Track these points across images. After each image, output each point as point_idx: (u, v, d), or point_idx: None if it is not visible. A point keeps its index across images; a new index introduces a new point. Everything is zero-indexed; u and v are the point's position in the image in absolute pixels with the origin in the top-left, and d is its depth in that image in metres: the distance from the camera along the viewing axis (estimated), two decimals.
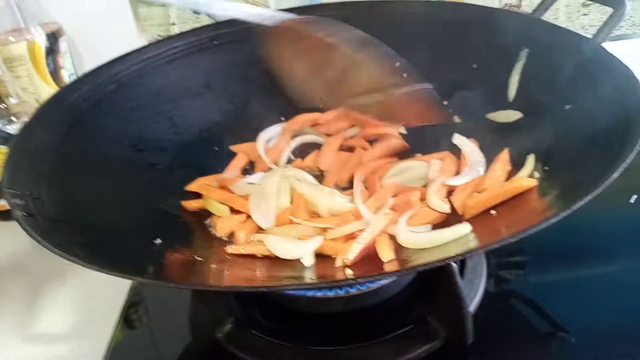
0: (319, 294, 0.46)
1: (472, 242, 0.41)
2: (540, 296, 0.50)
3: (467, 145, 0.54)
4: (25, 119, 0.62)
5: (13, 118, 0.64)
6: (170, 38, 0.64)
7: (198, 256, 0.44)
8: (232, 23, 0.65)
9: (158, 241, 0.45)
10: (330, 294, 0.46)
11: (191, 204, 0.53)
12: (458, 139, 0.55)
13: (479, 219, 0.45)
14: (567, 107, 0.46)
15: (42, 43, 0.71)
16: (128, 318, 0.54)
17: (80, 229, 0.40)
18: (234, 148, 0.61)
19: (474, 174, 0.52)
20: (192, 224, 0.51)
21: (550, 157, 0.46)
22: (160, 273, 0.39)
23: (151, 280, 0.37)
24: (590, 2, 0.78)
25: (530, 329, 0.48)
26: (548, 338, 0.47)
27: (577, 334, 0.46)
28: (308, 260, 0.45)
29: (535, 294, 0.50)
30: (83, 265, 0.32)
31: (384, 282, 0.46)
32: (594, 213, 0.57)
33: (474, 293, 0.48)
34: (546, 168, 0.45)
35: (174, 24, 0.80)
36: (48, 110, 0.50)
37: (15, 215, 0.37)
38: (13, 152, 0.44)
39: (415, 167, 0.55)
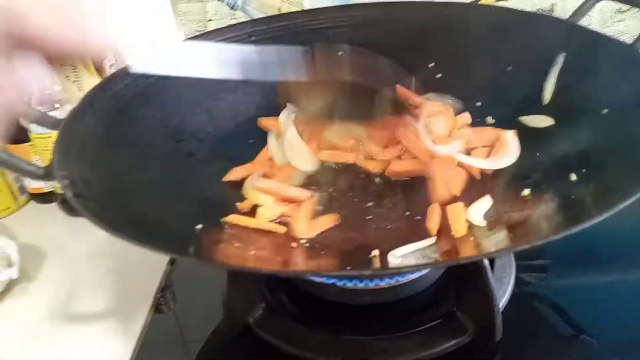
0: (349, 284, 0.47)
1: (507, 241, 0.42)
2: (565, 299, 0.50)
3: (510, 136, 0.55)
4: (69, 106, 0.64)
5: (56, 105, 0.67)
6: (208, 33, 0.65)
7: (236, 242, 0.45)
8: (268, 20, 0.66)
9: (199, 227, 0.46)
10: (360, 285, 0.47)
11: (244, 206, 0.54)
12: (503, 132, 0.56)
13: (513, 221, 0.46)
14: (604, 111, 0.47)
15: None
16: (157, 302, 0.56)
17: (126, 212, 0.42)
18: (262, 121, 0.62)
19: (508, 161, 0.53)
20: (231, 211, 0.52)
21: (584, 161, 0.46)
22: (201, 254, 0.40)
23: (192, 259, 0.39)
24: (627, 9, 0.78)
25: (555, 330, 0.48)
26: (572, 340, 0.47)
27: (601, 337, 0.46)
28: None
29: (560, 296, 0.51)
30: (133, 243, 0.33)
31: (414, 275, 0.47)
32: (619, 219, 0.57)
33: (502, 292, 0.49)
34: (583, 170, 0.45)
35: (211, 19, 0.82)
36: (94, 97, 0.52)
37: (67, 197, 0.39)
38: (62, 136, 0.46)
39: None
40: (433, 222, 0.47)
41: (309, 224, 0.49)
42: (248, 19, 0.73)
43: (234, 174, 0.57)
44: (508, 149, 0.53)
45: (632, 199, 0.34)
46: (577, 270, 0.54)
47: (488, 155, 0.54)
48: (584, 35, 0.52)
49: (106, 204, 0.41)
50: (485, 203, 0.48)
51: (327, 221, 0.50)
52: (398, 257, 0.43)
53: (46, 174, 0.42)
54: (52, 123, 0.51)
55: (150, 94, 0.56)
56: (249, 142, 0.62)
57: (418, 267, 0.44)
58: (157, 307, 0.56)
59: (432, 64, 0.62)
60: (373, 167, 0.56)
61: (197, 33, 0.80)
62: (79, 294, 0.59)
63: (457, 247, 0.44)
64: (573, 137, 0.48)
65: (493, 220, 0.46)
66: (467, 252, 0.43)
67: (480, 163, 0.53)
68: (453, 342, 0.45)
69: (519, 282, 0.51)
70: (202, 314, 0.54)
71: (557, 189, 0.46)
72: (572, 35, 0.53)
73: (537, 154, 0.52)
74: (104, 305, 0.57)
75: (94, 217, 0.36)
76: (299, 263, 0.45)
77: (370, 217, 0.50)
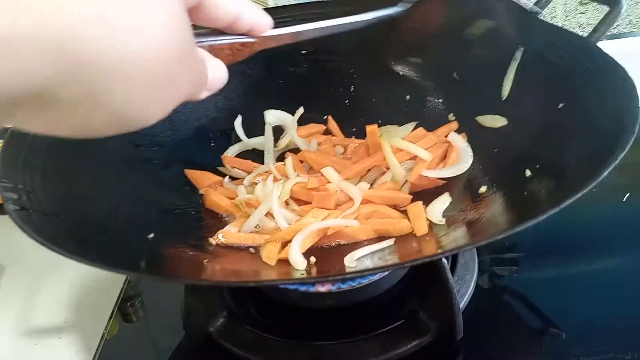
0: (311, 289, 0.47)
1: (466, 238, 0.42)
2: (532, 292, 0.50)
3: (460, 141, 0.55)
4: None
5: None
6: None
7: (190, 251, 0.44)
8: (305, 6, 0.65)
9: (151, 235, 0.45)
10: (322, 289, 0.47)
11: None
12: (452, 136, 0.56)
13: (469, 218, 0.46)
14: (560, 105, 0.47)
15: None
16: (123, 312, 0.55)
17: (74, 223, 0.40)
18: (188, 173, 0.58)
19: (461, 168, 0.53)
20: (186, 219, 0.51)
21: (541, 154, 0.46)
22: (152, 267, 0.39)
23: (142, 275, 0.37)
24: (588, 1, 0.78)
25: (521, 325, 0.48)
26: (539, 333, 0.47)
27: (568, 329, 0.46)
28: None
29: (526, 290, 0.51)
30: (75, 260, 0.32)
31: (376, 277, 0.47)
32: (587, 211, 0.58)
33: (465, 289, 0.49)
34: (537, 166, 0.45)
35: None
36: None
37: (7, 209, 0.37)
38: (7, 145, 0.44)
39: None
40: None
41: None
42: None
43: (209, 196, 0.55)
44: (462, 155, 0.53)
45: (583, 192, 0.34)
46: (545, 263, 0.54)
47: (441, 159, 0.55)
48: (541, 28, 0.52)
49: (53, 215, 0.39)
50: (444, 200, 0.48)
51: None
52: (354, 260, 0.42)
53: None
54: None
55: None
56: (210, 145, 0.61)
57: (372, 271, 0.43)
58: (124, 316, 0.54)
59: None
60: None
61: None
62: (38, 308, 0.57)
63: (416, 246, 0.44)
64: (529, 131, 0.48)
65: (452, 218, 0.46)
66: (427, 251, 0.43)
67: (441, 173, 0.52)
68: (415, 342, 0.44)
69: (487, 276, 0.51)
70: (170, 323, 0.52)
71: (513, 185, 0.46)
72: (530, 28, 0.52)
73: (495, 150, 0.52)
74: (64, 318, 0.55)
75: (35, 232, 0.34)
76: (257, 272, 0.44)
77: None
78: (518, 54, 0.53)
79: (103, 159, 0.51)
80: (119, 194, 0.48)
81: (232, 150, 0.61)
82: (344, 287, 0.46)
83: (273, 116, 0.63)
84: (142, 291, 0.57)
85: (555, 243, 0.56)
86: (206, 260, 0.43)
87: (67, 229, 0.39)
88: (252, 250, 0.48)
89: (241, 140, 0.62)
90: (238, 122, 0.62)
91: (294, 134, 0.60)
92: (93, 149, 0.51)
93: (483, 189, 0.48)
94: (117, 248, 0.39)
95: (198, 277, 0.40)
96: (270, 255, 0.45)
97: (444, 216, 0.47)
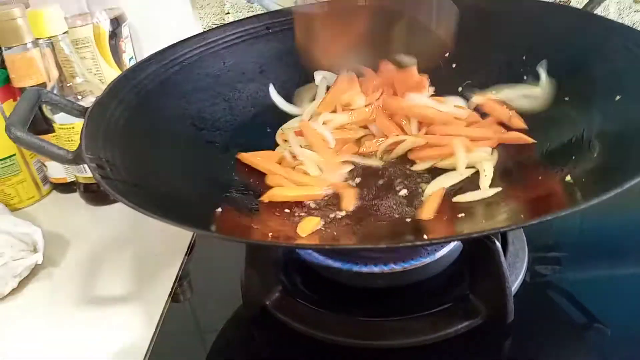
0: (364, 269, 0.49)
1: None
2: (577, 289, 0.51)
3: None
4: (90, 97, 0.67)
5: (78, 96, 0.69)
6: (227, 25, 0.67)
7: (255, 224, 0.47)
8: (285, 12, 0.68)
9: (219, 210, 0.48)
10: (375, 269, 0.49)
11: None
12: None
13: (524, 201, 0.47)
14: (617, 98, 0.47)
15: (106, 27, 0.75)
16: (177, 291, 0.57)
17: (150, 194, 0.43)
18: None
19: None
20: (248, 197, 0.54)
21: (596, 145, 0.47)
22: (222, 231, 0.42)
23: (216, 234, 0.40)
24: None
25: (567, 318, 0.48)
26: (584, 328, 0.47)
27: (613, 326, 0.46)
28: None
29: (572, 286, 0.51)
30: (160, 220, 0.35)
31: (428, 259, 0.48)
32: (635, 210, 0.58)
33: (515, 276, 0.49)
34: (595, 156, 0.45)
35: (228, 12, 0.83)
36: (118, 87, 0.54)
37: (95, 177, 0.41)
38: (89, 122, 0.48)
39: None
40: None
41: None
42: (265, 11, 0.75)
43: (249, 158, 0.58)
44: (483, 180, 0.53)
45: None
46: (591, 262, 0.55)
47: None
48: (595, 23, 0.52)
49: (131, 185, 0.43)
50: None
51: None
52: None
53: (75, 158, 0.44)
54: (78, 111, 0.52)
55: (171, 85, 0.58)
56: (267, 130, 0.63)
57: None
58: (174, 296, 0.57)
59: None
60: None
61: (215, 26, 0.82)
62: (101, 279, 0.61)
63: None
64: (586, 121, 0.49)
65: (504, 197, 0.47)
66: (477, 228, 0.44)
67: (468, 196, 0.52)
68: (465, 324, 0.45)
69: (533, 274, 0.52)
70: (218, 303, 0.55)
71: (568, 171, 0.47)
72: (583, 24, 0.53)
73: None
74: (125, 290, 0.58)
75: (121, 196, 0.37)
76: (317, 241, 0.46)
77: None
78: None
79: (170, 139, 0.54)
80: (186, 171, 0.51)
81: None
82: (397, 268, 0.48)
83: (321, 76, 0.66)
84: (190, 272, 0.60)
85: (603, 242, 0.56)
86: (270, 233, 0.45)
87: (146, 198, 0.42)
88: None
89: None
90: (273, 91, 0.65)
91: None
92: (161, 129, 0.55)
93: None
94: (190, 216, 0.42)
95: (264, 239, 0.42)
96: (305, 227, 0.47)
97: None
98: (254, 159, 0.58)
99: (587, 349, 0.46)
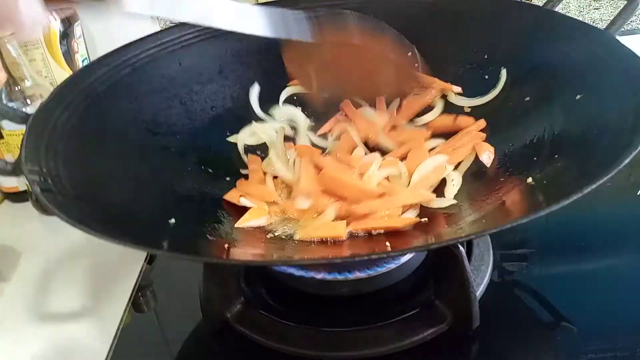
0: (328, 277, 0.47)
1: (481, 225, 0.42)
2: (544, 287, 0.51)
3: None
4: (40, 101, 0.63)
5: (27, 100, 0.65)
6: (183, 24, 0.64)
7: (210, 236, 0.45)
8: (280, 1, 0.65)
9: (172, 221, 0.45)
10: (339, 277, 0.47)
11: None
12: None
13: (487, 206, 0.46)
14: (578, 97, 0.47)
15: (56, 27, 0.72)
16: (137, 301, 0.55)
17: (96, 207, 0.41)
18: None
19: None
20: (204, 205, 0.52)
21: (558, 145, 0.46)
22: (175, 248, 0.40)
23: (167, 253, 0.38)
24: None
25: (535, 318, 0.48)
26: (551, 327, 0.47)
27: (580, 325, 0.46)
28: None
29: (539, 284, 0.51)
30: (102, 239, 0.33)
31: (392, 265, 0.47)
32: (601, 206, 0.58)
33: (480, 279, 0.49)
34: (556, 156, 0.45)
35: None
36: (65, 91, 0.51)
37: (34, 191, 0.38)
38: (31, 131, 0.45)
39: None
40: None
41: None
42: None
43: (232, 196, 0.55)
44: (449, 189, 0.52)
45: (605, 178, 0.34)
46: (556, 259, 0.55)
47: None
48: (558, 21, 0.52)
49: (76, 198, 0.40)
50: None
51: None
52: None
53: (14, 170, 0.41)
54: (22, 118, 0.49)
55: (123, 87, 0.55)
56: (226, 134, 0.61)
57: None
58: (136, 306, 0.55)
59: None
60: None
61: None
62: (55, 293, 0.58)
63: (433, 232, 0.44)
64: (547, 121, 0.49)
65: (468, 204, 0.46)
66: (444, 237, 0.43)
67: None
68: (431, 330, 0.45)
69: (500, 271, 0.51)
70: (182, 313, 0.53)
71: (530, 173, 0.46)
72: (547, 22, 0.53)
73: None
74: (81, 304, 0.56)
75: (62, 212, 0.35)
76: (274, 254, 0.44)
77: None
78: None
79: (121, 146, 0.52)
80: (138, 180, 0.49)
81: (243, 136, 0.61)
82: (361, 275, 0.47)
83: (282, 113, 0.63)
84: (154, 281, 0.58)
85: (568, 238, 0.56)
86: (227, 245, 0.43)
87: (91, 211, 0.39)
88: (269, 235, 0.48)
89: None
90: (254, 95, 0.62)
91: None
92: (111, 135, 0.52)
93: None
94: (139, 230, 0.40)
95: (220, 257, 0.40)
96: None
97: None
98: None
99: (554, 349, 0.46)
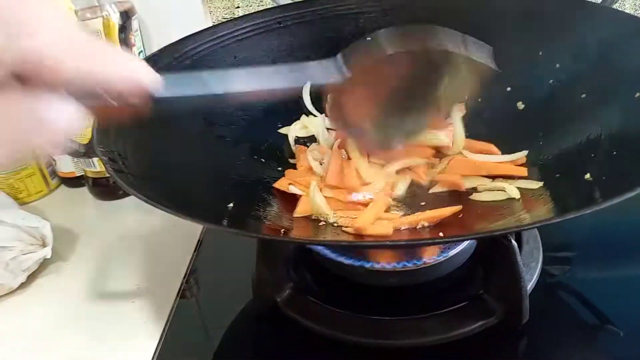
0: (377, 266, 0.48)
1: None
2: (590, 290, 0.50)
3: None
4: None
5: None
6: (238, 19, 0.66)
7: (265, 220, 0.46)
8: (297, 6, 0.67)
9: (230, 205, 0.47)
10: (388, 267, 0.48)
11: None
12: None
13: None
14: (638, 95, 0.46)
15: (115, 20, 0.75)
16: (184, 288, 0.57)
17: (160, 187, 0.43)
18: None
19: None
20: (261, 193, 0.53)
21: (616, 143, 0.46)
22: (235, 226, 0.41)
23: (229, 229, 0.40)
24: None
25: (581, 319, 0.48)
26: (597, 329, 0.47)
27: (626, 328, 0.46)
28: None
29: (585, 288, 0.51)
30: (170, 213, 0.34)
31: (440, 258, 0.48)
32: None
33: (530, 276, 0.49)
34: (614, 153, 0.45)
35: (238, 7, 0.82)
36: None
37: (107, 170, 0.40)
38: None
39: None
40: None
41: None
42: (275, 5, 0.74)
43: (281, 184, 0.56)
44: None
45: None
46: (603, 262, 0.54)
47: None
48: (615, 18, 0.51)
49: (143, 179, 0.42)
50: None
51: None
52: None
53: (87, 151, 0.43)
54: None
55: None
56: (277, 126, 0.63)
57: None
58: (181, 293, 0.56)
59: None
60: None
61: (225, 20, 0.81)
62: (110, 274, 0.60)
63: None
64: (605, 118, 0.48)
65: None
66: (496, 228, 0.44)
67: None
68: (480, 323, 0.45)
69: (547, 270, 0.51)
70: (226, 300, 0.54)
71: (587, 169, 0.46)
72: (603, 19, 0.52)
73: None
74: (134, 286, 0.58)
75: (134, 189, 0.37)
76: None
77: None
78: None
79: (181, 134, 0.54)
80: (197, 166, 0.51)
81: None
82: (409, 265, 0.48)
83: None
84: (198, 268, 0.59)
85: (615, 242, 0.56)
86: (283, 230, 0.44)
87: (158, 192, 0.41)
88: (322, 223, 0.49)
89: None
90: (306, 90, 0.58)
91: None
92: (172, 124, 0.54)
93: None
94: (202, 210, 0.42)
95: (274, 234, 0.41)
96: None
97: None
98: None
99: (600, 351, 0.46)
